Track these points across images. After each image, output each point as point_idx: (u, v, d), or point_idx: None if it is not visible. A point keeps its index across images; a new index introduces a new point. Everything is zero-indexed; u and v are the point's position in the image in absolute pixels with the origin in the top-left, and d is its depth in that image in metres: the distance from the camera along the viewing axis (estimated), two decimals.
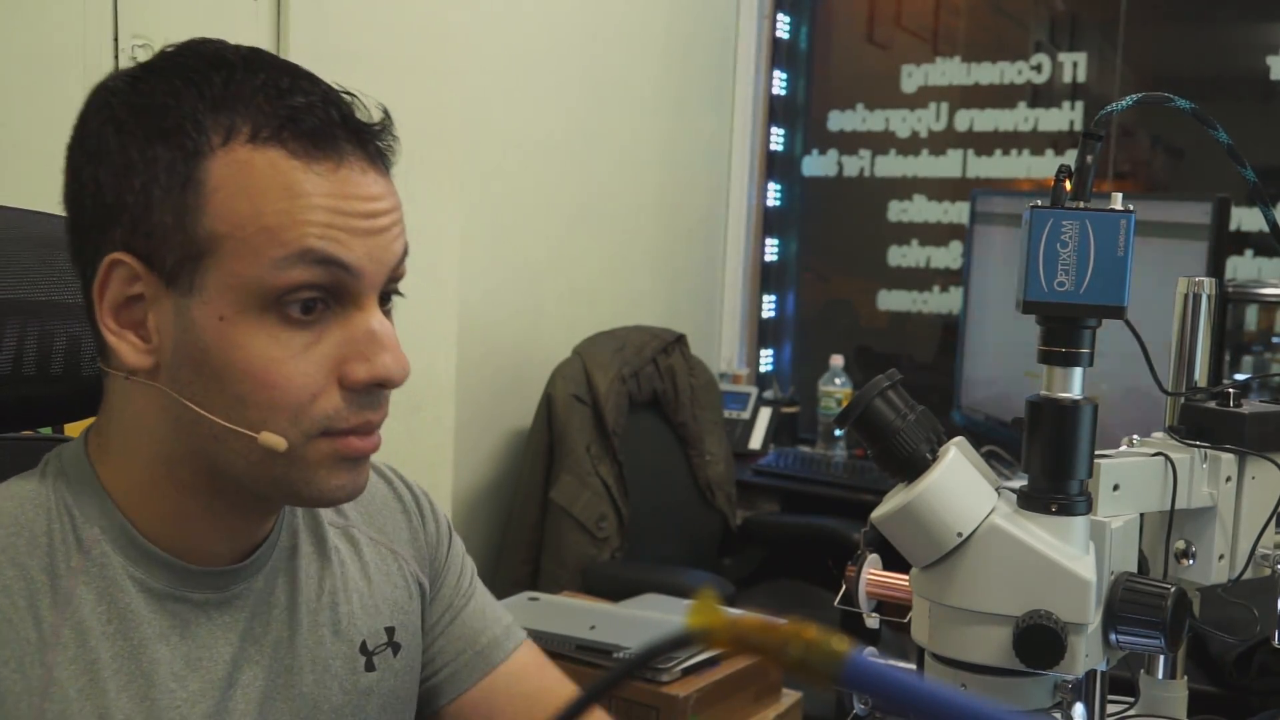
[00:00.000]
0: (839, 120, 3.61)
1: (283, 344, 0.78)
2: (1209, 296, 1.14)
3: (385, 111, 0.85)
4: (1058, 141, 3.30)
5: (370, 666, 0.93)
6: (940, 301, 3.49)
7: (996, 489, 0.87)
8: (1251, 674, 1.47)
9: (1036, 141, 3.32)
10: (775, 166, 3.69)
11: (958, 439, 0.87)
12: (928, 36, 3.52)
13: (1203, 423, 1.02)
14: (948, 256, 3.46)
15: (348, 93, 0.84)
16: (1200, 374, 1.15)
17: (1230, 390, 1.02)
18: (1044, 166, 3.30)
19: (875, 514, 0.87)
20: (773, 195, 3.69)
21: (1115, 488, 0.92)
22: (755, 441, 3.30)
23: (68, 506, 0.82)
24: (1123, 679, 1.27)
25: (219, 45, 0.84)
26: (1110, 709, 1.11)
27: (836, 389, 3.26)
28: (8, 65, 1.59)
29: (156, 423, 0.81)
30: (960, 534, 0.83)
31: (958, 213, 3.42)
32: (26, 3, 1.61)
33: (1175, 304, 1.16)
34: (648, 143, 3.22)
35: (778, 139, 3.67)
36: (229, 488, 0.82)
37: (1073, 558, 0.83)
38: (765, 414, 3.37)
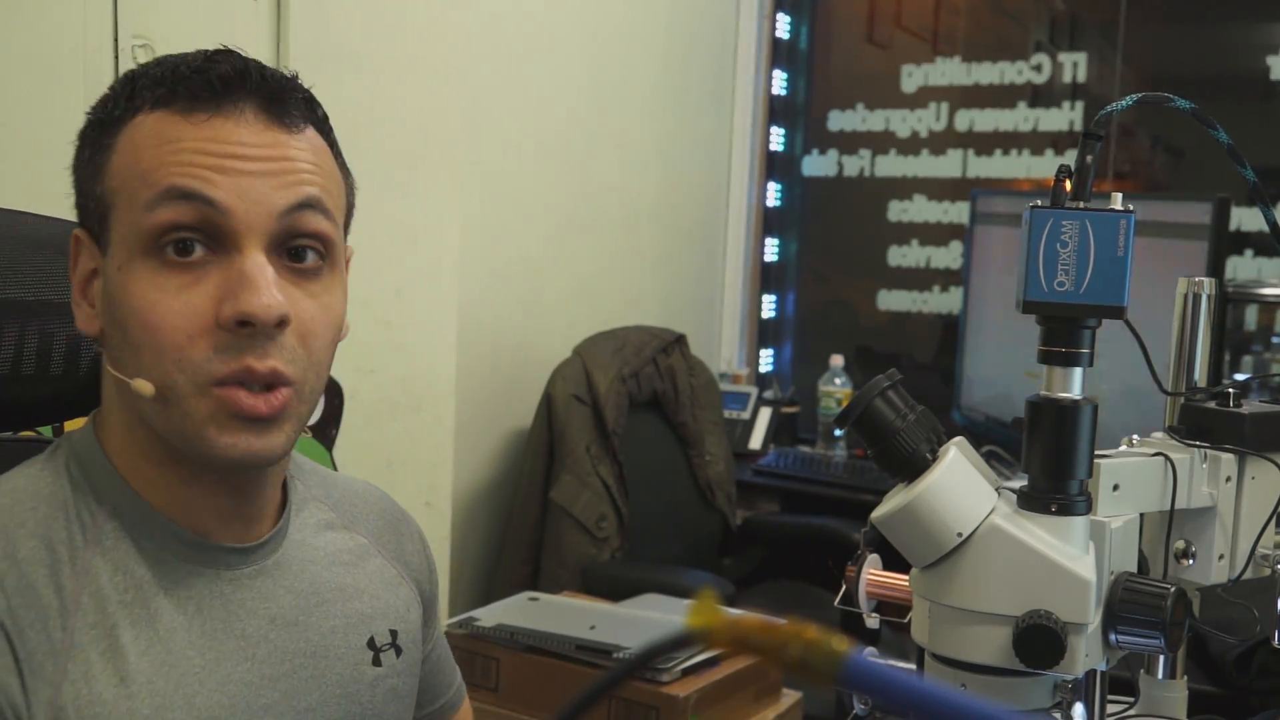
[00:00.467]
0: (839, 120, 3.61)
1: (160, 286, 0.79)
2: (1209, 296, 1.14)
3: (294, 75, 0.87)
4: (1058, 141, 3.30)
5: (377, 662, 0.95)
6: (940, 301, 3.49)
7: (996, 489, 0.87)
8: (1251, 674, 1.47)
9: (1036, 141, 3.32)
10: (775, 166, 3.69)
11: (958, 439, 0.88)
12: (928, 36, 3.52)
13: (1202, 423, 1.02)
14: (948, 256, 3.47)
15: (282, 73, 0.86)
16: (1200, 374, 1.15)
17: (1230, 390, 1.02)
18: (1044, 166, 3.30)
19: (875, 514, 0.88)
20: (773, 195, 3.69)
21: (1115, 488, 0.92)
22: (755, 441, 3.30)
23: (80, 484, 0.84)
24: (1123, 679, 1.27)
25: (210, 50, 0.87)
26: (1110, 709, 1.11)
27: (836, 389, 3.26)
28: (8, 65, 1.59)
29: (109, 388, 0.84)
30: (960, 534, 0.83)
31: (958, 213, 3.42)
32: (26, 3, 1.61)
33: (1175, 304, 1.16)
34: (648, 142, 3.22)
35: (778, 139, 3.67)
36: (176, 457, 0.83)
37: (1072, 558, 0.83)
38: (765, 414, 3.37)
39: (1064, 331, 0.83)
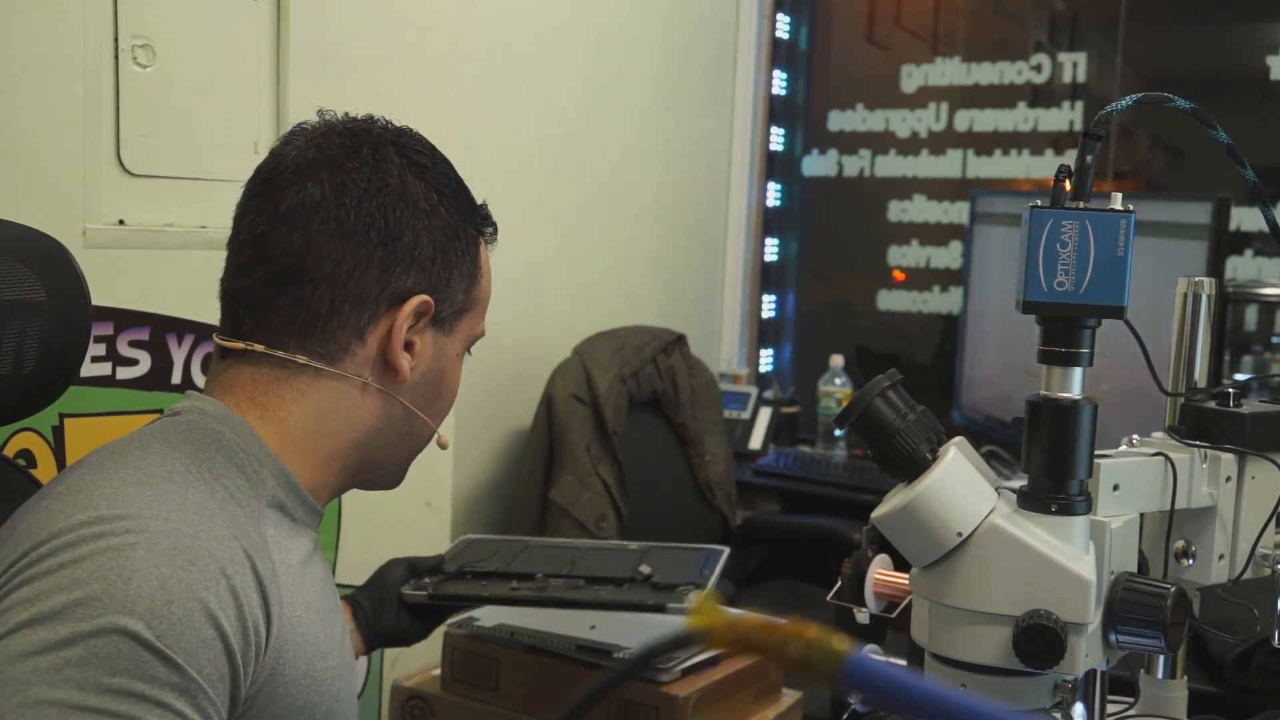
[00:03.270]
0: (839, 120, 3.61)
1: (460, 375, 1.10)
2: (1209, 296, 1.14)
3: None
4: (1058, 141, 3.30)
5: None
6: (940, 301, 3.49)
7: (996, 489, 0.87)
8: (1251, 674, 1.47)
9: (1036, 141, 3.32)
10: (775, 166, 3.68)
11: (958, 439, 0.88)
12: (928, 36, 3.52)
13: (1203, 423, 1.02)
14: (948, 256, 3.46)
15: None
16: (1200, 374, 1.15)
17: (1230, 390, 1.02)
18: (1044, 166, 3.30)
19: (875, 514, 0.88)
20: (773, 195, 3.69)
21: (1115, 488, 0.92)
22: (755, 441, 3.30)
23: (236, 442, 0.96)
24: (1123, 679, 1.27)
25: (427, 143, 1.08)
26: (1110, 709, 1.11)
27: (836, 389, 3.26)
28: (8, 65, 1.59)
29: (369, 421, 1.02)
30: (960, 534, 0.83)
31: (958, 213, 3.42)
32: (26, 3, 1.61)
33: (1175, 304, 1.16)
34: (648, 143, 3.21)
35: (778, 139, 3.67)
36: (367, 470, 1.06)
37: (1072, 557, 0.83)
38: (765, 414, 3.37)
39: (1064, 331, 0.83)
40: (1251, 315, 2.65)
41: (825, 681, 0.40)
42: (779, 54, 3.64)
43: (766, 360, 3.74)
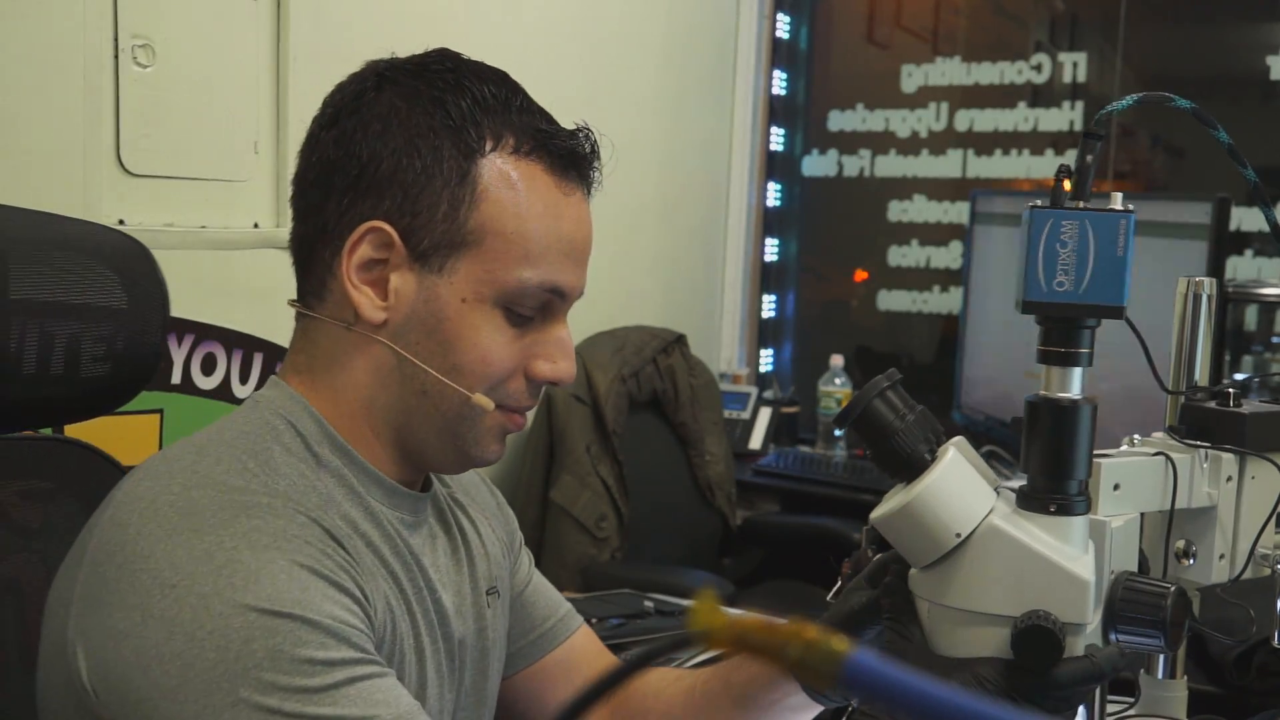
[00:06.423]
0: (839, 120, 3.61)
1: (501, 331, 0.91)
2: (1209, 296, 1.14)
3: (595, 143, 1.01)
4: (1058, 141, 3.30)
5: (489, 604, 1.05)
6: (940, 301, 3.49)
7: (996, 489, 0.87)
8: (1251, 674, 1.47)
9: (1036, 141, 3.32)
10: (775, 166, 3.68)
11: (957, 439, 0.87)
12: (928, 36, 3.52)
13: (1203, 423, 1.02)
14: (948, 256, 3.46)
15: (584, 128, 1.01)
16: (1200, 374, 1.15)
17: (1230, 390, 1.02)
18: (1044, 166, 3.30)
19: (874, 514, 0.87)
20: (773, 195, 3.69)
21: (1116, 487, 0.91)
22: (755, 441, 3.30)
23: (297, 429, 0.91)
24: (1123, 679, 1.27)
25: (470, 61, 0.96)
26: (1110, 709, 1.11)
27: (836, 389, 3.26)
28: (8, 65, 1.59)
29: (365, 371, 0.92)
30: (959, 534, 0.83)
31: (958, 213, 3.42)
32: (26, 3, 1.61)
33: (1175, 304, 1.16)
34: (647, 142, 3.21)
35: (778, 139, 3.67)
36: (406, 441, 0.94)
37: (1071, 558, 0.83)
38: (765, 414, 3.37)
39: (1063, 331, 0.83)
40: (1251, 315, 2.65)
41: (825, 682, 0.40)
42: (779, 54, 3.64)
43: (766, 360, 3.74)
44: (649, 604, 1.77)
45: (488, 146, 0.90)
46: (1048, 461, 0.84)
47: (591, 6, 2.95)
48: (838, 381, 3.27)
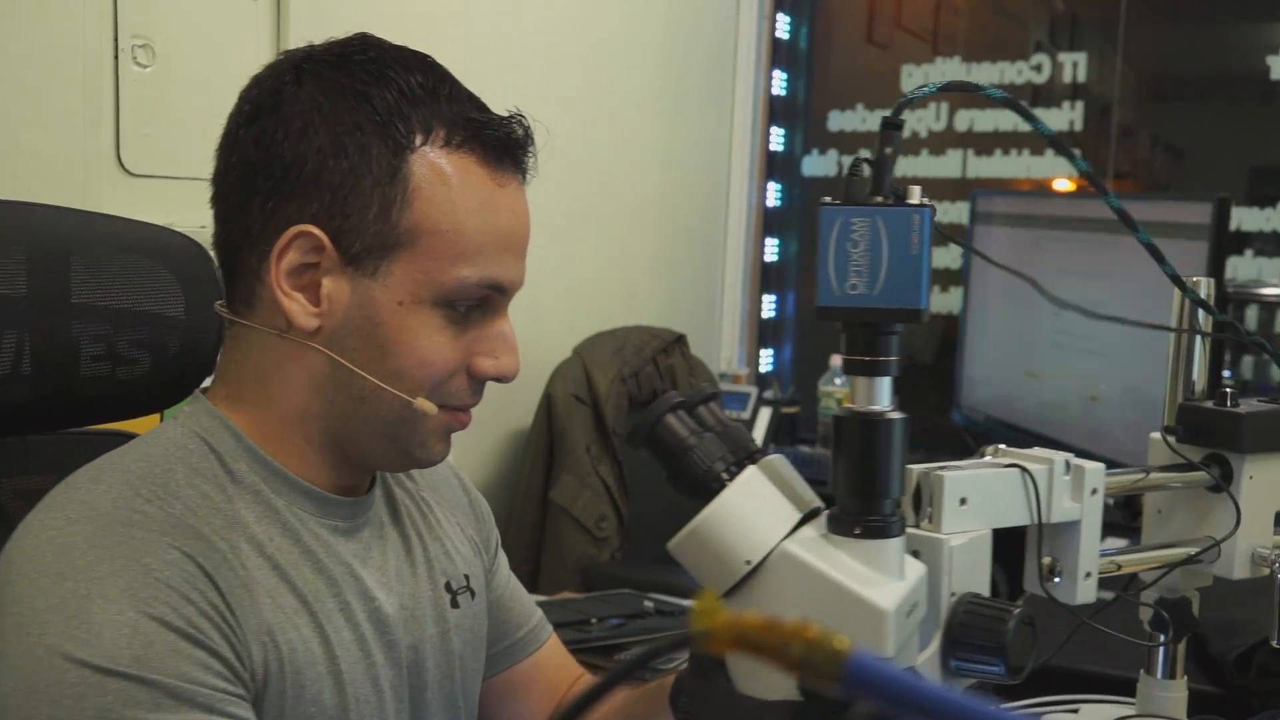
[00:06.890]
0: (839, 120, 3.61)
1: (441, 332, 0.88)
2: (1209, 296, 1.14)
3: (529, 128, 0.95)
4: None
5: (454, 604, 1.02)
6: (940, 301, 3.49)
7: (816, 511, 0.78)
8: (1251, 674, 1.47)
9: (1036, 142, 3.32)
10: (775, 166, 3.68)
11: (772, 457, 0.79)
12: (928, 36, 3.52)
13: (1200, 422, 1.02)
14: (948, 256, 3.46)
15: (517, 114, 0.95)
16: (1199, 374, 1.15)
17: (1228, 390, 1.02)
18: (1044, 167, 3.30)
19: (670, 542, 0.80)
20: (773, 195, 3.69)
21: (962, 502, 0.86)
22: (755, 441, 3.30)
23: (212, 446, 0.89)
24: (1123, 679, 1.27)
25: (393, 46, 0.92)
26: (1110, 709, 1.11)
27: (836, 389, 3.26)
28: (8, 65, 1.59)
29: (299, 379, 0.89)
30: (748, 561, 0.75)
31: (958, 213, 3.42)
32: (26, 3, 1.61)
33: (1174, 304, 1.16)
34: (647, 142, 3.21)
35: (778, 139, 3.67)
36: (344, 446, 0.91)
37: (871, 584, 0.73)
38: (765, 414, 3.36)
39: (865, 338, 0.74)
40: (1251, 315, 2.65)
41: (826, 681, 0.40)
42: (779, 54, 3.64)
43: (766, 360, 3.74)
44: (649, 604, 1.77)
45: (417, 140, 0.86)
46: (856, 480, 0.75)
47: (591, 6, 2.95)
48: (838, 381, 3.27)
